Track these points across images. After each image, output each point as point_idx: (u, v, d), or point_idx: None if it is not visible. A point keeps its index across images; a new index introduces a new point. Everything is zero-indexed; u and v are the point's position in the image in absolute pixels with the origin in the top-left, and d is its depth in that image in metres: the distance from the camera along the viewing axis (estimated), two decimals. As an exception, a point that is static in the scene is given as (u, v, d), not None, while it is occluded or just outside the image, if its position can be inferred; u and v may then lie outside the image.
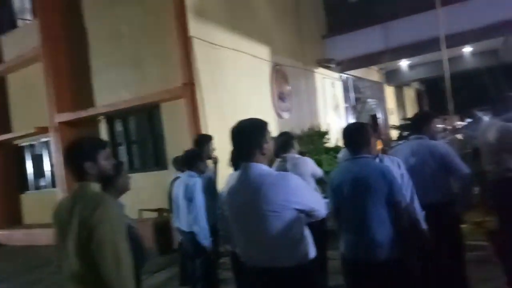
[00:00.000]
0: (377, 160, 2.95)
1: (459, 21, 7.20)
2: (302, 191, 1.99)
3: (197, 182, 3.33)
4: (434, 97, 16.16)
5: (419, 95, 17.96)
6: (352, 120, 10.55)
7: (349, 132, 2.69)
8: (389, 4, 8.51)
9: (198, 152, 3.65)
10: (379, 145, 3.05)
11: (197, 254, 3.39)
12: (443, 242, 3.00)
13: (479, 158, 4.07)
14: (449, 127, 8.44)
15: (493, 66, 11.84)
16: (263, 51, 7.40)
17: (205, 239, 3.28)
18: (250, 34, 7.00)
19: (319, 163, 5.93)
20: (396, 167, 2.91)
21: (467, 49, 10.87)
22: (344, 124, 9.42)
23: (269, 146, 2.06)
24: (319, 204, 2.09)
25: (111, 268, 1.66)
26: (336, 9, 9.89)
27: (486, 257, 4.23)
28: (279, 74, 7.74)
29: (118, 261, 1.67)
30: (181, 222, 3.54)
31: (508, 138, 3.27)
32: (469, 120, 8.65)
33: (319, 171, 3.97)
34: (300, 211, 1.98)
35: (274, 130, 5.79)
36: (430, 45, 7.20)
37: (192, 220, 3.32)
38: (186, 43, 5.68)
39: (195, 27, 5.80)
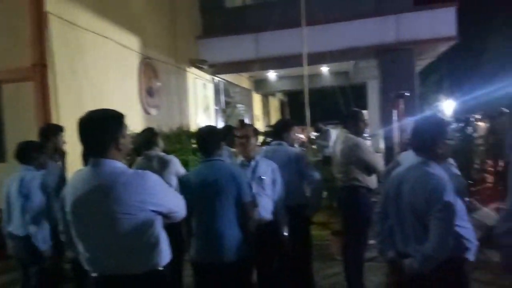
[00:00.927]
0: (253, 163, 3.07)
1: (319, 42, 7.96)
2: (160, 191, 1.84)
3: (35, 177, 2.88)
4: (295, 108, 17.63)
5: (282, 105, 19.38)
6: (221, 123, 10.73)
7: (202, 135, 2.73)
8: (260, 16, 8.91)
9: (37, 144, 3.18)
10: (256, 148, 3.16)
11: (33, 261, 2.91)
12: (294, 241, 3.20)
13: (328, 165, 4.51)
14: (305, 137, 9.26)
15: (345, 86, 13.55)
16: (132, 41, 6.93)
17: (44, 243, 2.84)
18: (118, 21, 6.47)
19: (186, 164, 5.79)
20: (270, 171, 3.08)
21: (325, 68, 12.17)
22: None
23: (126, 141, 1.86)
24: (178, 205, 1.98)
25: None
26: (211, 12, 9.95)
27: (330, 255, 4.72)
28: (148, 68, 7.36)
29: None
30: (13, 224, 2.99)
31: (353, 151, 3.67)
32: (316, 132, 9.62)
33: (182, 171, 3.86)
34: (157, 212, 1.83)
35: (140, 126, 5.46)
36: (294, 60, 7.78)
37: (28, 220, 2.84)
38: (40, 18, 4.92)
39: (52, 2, 5.08)
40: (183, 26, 8.87)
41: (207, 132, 2.73)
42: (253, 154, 3.10)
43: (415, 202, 2.15)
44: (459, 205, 2.16)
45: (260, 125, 14.21)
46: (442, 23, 8.54)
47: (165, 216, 1.90)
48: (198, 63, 9.15)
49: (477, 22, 21.13)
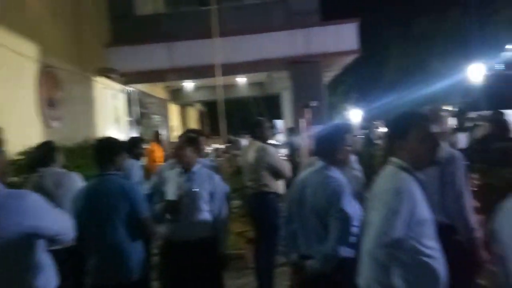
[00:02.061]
0: (189, 174, 2.93)
1: (233, 53, 8.08)
2: (40, 212, 1.68)
3: None
4: (215, 119, 17.65)
5: (201, 116, 19.26)
6: (135, 134, 10.29)
7: (95, 149, 2.63)
8: (173, 25, 8.81)
9: None
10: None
11: None
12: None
13: (240, 175, 4.56)
14: (221, 147, 9.28)
15: (261, 96, 13.90)
16: (29, 48, 6.33)
17: None
18: (12, 26, 5.88)
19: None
20: (208, 183, 2.96)
21: (241, 79, 12.37)
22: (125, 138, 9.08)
23: (2, 158, 1.69)
24: (64, 227, 1.82)
25: None
26: (121, 19, 9.55)
27: (244, 265, 4.73)
28: (49, 78, 6.78)
29: None
30: None
31: (263, 157, 3.78)
32: (228, 143, 9.75)
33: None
34: (37, 235, 1.67)
35: (41, 140, 4.96)
36: (209, 70, 7.79)
37: None
38: None
39: None
40: (90, 33, 8.38)
41: (101, 145, 2.64)
42: (190, 165, 2.97)
43: (317, 204, 2.26)
44: (356, 207, 2.30)
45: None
46: (346, 38, 9.21)
47: (49, 239, 1.74)
48: (106, 72, 8.69)
49: (377, 37, 23.31)
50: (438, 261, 1.75)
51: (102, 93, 8.90)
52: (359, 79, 24.93)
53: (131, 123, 10.44)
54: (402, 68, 23.52)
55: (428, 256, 1.72)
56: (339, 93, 23.87)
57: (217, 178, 3.05)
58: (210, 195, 2.95)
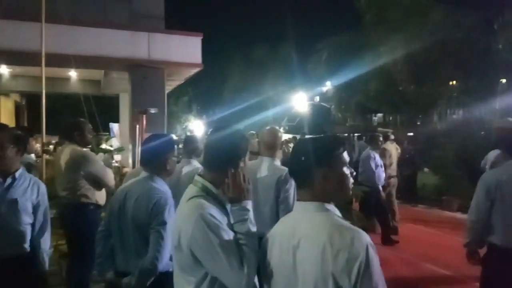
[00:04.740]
0: (9, 180, 2.49)
1: (65, 43, 7.20)
2: None
3: None
4: (35, 113, 15.42)
5: (18, 108, 16.56)
6: None
7: None
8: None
9: None
10: None
11: None
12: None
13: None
14: (40, 147, 8.13)
15: (97, 95, 12.77)
16: None
17: None
18: None
19: None
20: (33, 192, 2.57)
21: (74, 73, 11.14)
22: None
23: None
24: None
25: None
26: None
27: (57, 281, 4.18)
28: None
29: None
30: None
31: (81, 164, 3.41)
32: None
33: None
34: None
35: None
36: (31, 58, 6.72)
37: None
38: None
39: None
40: None
41: None
42: (10, 168, 2.51)
43: (138, 216, 2.18)
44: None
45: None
46: (190, 50, 9.35)
47: None
48: None
49: (220, 55, 24.71)
50: None
51: None
52: (201, 92, 25.75)
53: None
54: (240, 88, 25.32)
55: None
56: (182, 104, 24.06)
57: (42, 187, 2.66)
58: (33, 207, 2.57)
